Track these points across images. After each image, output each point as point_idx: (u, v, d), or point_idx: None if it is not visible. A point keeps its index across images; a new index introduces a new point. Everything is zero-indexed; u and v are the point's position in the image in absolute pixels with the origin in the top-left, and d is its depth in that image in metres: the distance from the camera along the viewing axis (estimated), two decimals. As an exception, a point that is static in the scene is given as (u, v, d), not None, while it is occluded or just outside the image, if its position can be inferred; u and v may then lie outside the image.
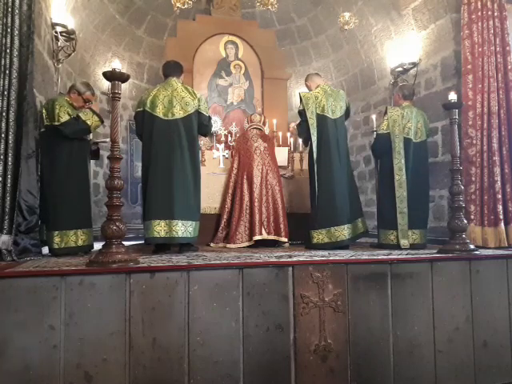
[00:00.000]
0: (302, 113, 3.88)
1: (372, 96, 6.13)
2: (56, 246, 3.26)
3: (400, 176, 3.79)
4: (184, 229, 3.40)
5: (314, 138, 3.77)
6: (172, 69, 3.71)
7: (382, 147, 3.95)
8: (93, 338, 2.26)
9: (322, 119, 3.79)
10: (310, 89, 4.07)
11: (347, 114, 4.06)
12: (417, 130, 3.91)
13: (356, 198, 3.99)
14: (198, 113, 3.58)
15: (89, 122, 3.38)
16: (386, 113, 3.99)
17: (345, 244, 3.70)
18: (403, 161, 3.80)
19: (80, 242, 3.37)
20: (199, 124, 3.62)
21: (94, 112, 3.46)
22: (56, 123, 3.27)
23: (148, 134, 3.50)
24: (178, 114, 3.50)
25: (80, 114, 3.36)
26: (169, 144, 3.45)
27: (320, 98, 3.83)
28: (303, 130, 3.88)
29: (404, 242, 3.72)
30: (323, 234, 3.68)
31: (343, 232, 3.67)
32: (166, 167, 3.42)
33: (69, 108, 3.36)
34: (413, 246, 3.71)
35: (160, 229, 3.35)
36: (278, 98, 6.03)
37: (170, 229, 3.35)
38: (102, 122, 3.55)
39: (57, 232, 3.27)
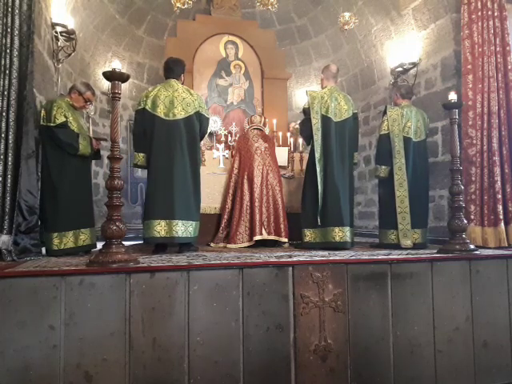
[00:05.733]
0: (306, 111, 3.86)
1: (372, 96, 6.13)
2: (55, 248, 3.24)
3: (400, 176, 3.79)
4: (184, 228, 3.40)
5: (316, 138, 3.75)
6: (172, 72, 3.67)
7: (385, 148, 3.89)
8: (93, 338, 2.26)
9: (325, 120, 3.77)
10: (322, 81, 4.05)
11: (355, 122, 3.93)
12: (416, 129, 3.92)
13: (351, 208, 3.88)
14: (199, 114, 3.58)
15: (81, 143, 3.35)
16: (385, 112, 3.98)
17: (336, 246, 3.63)
18: (403, 160, 3.80)
19: (80, 242, 3.37)
20: (201, 125, 3.62)
21: (91, 142, 3.49)
22: (51, 124, 3.26)
23: (149, 134, 3.50)
24: (179, 114, 3.50)
25: (80, 137, 3.36)
26: (169, 144, 3.45)
27: (326, 99, 3.80)
28: (307, 128, 3.84)
29: (405, 242, 3.71)
30: (315, 233, 3.72)
31: (333, 234, 3.63)
32: (166, 167, 3.42)
33: (67, 111, 3.35)
34: (414, 246, 3.71)
35: (160, 228, 3.35)
36: (278, 98, 6.03)
37: (170, 228, 3.35)
38: (91, 154, 3.53)
39: (56, 234, 3.26)
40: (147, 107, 3.50)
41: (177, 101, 3.51)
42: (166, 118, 3.49)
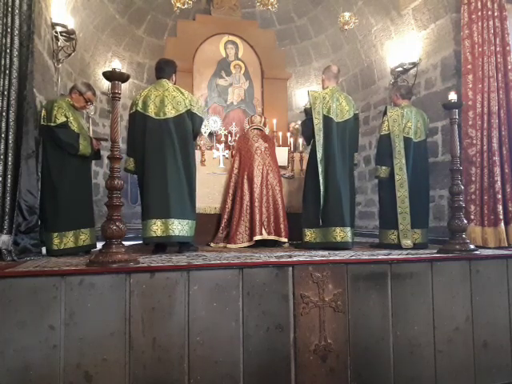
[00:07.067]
0: (307, 111, 3.86)
1: (372, 96, 6.14)
2: (55, 248, 3.24)
3: (401, 176, 3.79)
4: (180, 227, 3.40)
5: (317, 138, 3.74)
6: (163, 72, 3.67)
7: (385, 149, 3.89)
8: (93, 338, 2.26)
9: (327, 121, 3.77)
10: (323, 82, 4.06)
11: (356, 122, 3.96)
12: (416, 130, 3.92)
13: (352, 208, 3.88)
14: (191, 113, 3.57)
15: (81, 143, 3.35)
16: (385, 113, 3.98)
17: (337, 246, 3.63)
18: (403, 160, 3.80)
19: (80, 242, 3.37)
20: (193, 124, 3.60)
21: (91, 142, 3.49)
22: (52, 124, 3.26)
23: (141, 134, 3.48)
24: (170, 113, 3.49)
25: (80, 137, 3.36)
26: (161, 143, 3.44)
27: (327, 100, 3.80)
28: (308, 128, 3.84)
29: (406, 242, 3.71)
30: (316, 233, 3.71)
31: (334, 234, 3.64)
32: (159, 167, 3.41)
33: (68, 111, 3.35)
34: (414, 246, 3.72)
35: (156, 228, 3.34)
36: (278, 98, 6.03)
37: (167, 227, 3.35)
38: (91, 154, 3.52)
39: (56, 233, 3.26)
40: (138, 108, 3.50)
41: (167, 100, 3.50)
42: (157, 118, 3.47)
